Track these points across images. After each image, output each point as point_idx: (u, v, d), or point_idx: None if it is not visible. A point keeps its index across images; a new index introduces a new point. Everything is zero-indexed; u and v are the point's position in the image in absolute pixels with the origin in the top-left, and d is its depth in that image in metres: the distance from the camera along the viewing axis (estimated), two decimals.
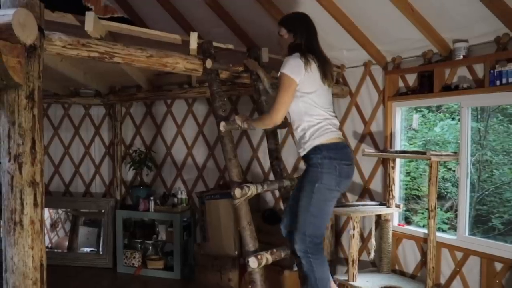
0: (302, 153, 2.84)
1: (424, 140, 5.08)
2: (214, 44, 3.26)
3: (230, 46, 3.53)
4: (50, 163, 6.22)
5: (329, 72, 2.86)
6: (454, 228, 4.18)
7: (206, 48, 3.17)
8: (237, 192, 2.86)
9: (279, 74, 2.78)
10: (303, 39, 2.86)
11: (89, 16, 2.62)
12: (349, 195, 4.70)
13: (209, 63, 3.10)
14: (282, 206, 4.16)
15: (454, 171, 4.20)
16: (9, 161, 2.26)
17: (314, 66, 2.77)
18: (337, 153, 2.75)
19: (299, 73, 2.72)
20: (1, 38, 2.00)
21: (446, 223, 4.79)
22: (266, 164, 5.28)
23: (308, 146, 2.78)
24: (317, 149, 2.74)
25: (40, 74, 2.31)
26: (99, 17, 2.77)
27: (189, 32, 3.21)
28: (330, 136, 2.78)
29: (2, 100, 2.27)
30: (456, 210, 4.11)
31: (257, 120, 2.96)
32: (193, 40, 3.07)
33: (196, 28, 4.66)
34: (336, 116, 2.94)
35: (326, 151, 2.73)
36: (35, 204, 2.31)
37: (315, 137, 2.76)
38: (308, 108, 2.79)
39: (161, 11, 4.91)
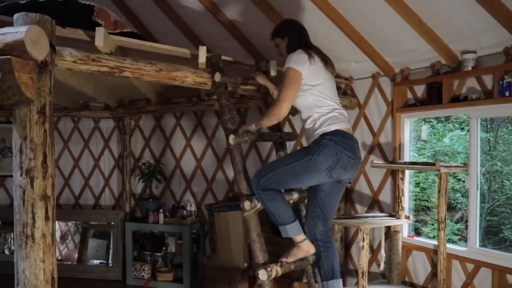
0: (312, 139, 2.86)
1: (433, 151, 5.07)
2: (223, 57, 3.28)
3: (239, 60, 3.55)
4: (60, 176, 6.26)
5: (330, 61, 2.99)
6: (464, 239, 4.16)
7: (215, 62, 3.19)
8: (247, 205, 2.87)
9: (284, 70, 2.85)
10: (296, 37, 3.02)
11: (99, 32, 2.64)
12: (358, 207, 4.70)
13: (218, 77, 3.12)
14: None
15: (464, 181, 4.18)
16: (21, 175, 2.28)
17: (317, 59, 2.89)
18: (343, 141, 2.76)
19: (304, 66, 2.81)
20: (14, 55, 2.03)
21: (457, 234, 4.75)
22: None
23: (317, 134, 2.81)
24: (325, 134, 2.77)
25: (51, 89, 2.34)
26: (109, 32, 2.79)
27: (198, 45, 3.24)
28: (340, 125, 2.82)
29: (14, 115, 2.30)
30: (466, 221, 4.08)
31: (263, 118, 2.95)
32: (202, 54, 3.09)
33: (204, 42, 4.70)
34: (343, 107, 2.99)
35: (334, 135, 2.75)
36: (47, 218, 2.33)
37: (325, 126, 2.80)
38: (317, 100, 2.86)
39: (170, 25, 4.95)
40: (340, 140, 2.74)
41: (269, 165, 2.93)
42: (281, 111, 2.82)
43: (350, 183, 3.10)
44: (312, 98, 2.85)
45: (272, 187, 2.82)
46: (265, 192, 2.82)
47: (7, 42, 2.05)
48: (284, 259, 2.95)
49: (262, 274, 2.77)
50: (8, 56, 1.99)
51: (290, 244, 2.98)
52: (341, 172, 2.77)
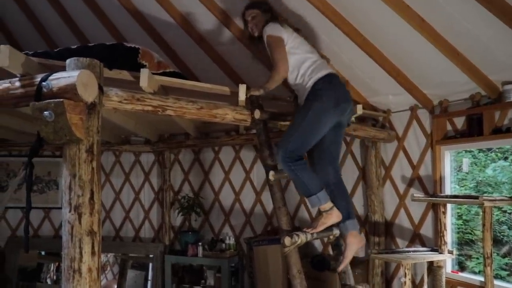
0: (306, 93, 3.10)
1: (475, 182, 4.94)
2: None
3: (278, 95, 3.62)
4: (102, 208, 6.36)
5: (300, 31, 3.38)
6: None
7: (255, 99, 3.25)
8: (287, 240, 2.87)
9: (265, 39, 3.22)
10: (274, 15, 3.42)
11: (144, 73, 2.76)
12: (398, 241, 4.61)
13: (257, 114, 3.18)
14: (331, 252, 4.12)
15: (510, 213, 4.05)
16: (70, 211, 2.36)
17: (286, 26, 3.28)
18: (336, 79, 3.14)
19: (281, 32, 3.20)
20: (66, 98, 2.14)
21: (505, 269, 4.58)
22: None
23: (310, 84, 3.07)
24: (318, 81, 3.05)
25: (98, 128, 2.43)
26: (152, 73, 2.90)
27: (236, 80, 3.32)
28: (327, 70, 3.16)
29: (63, 154, 2.40)
30: None
31: (268, 81, 3.23)
32: (242, 92, 3.16)
33: (243, 77, 4.80)
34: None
35: (326, 77, 3.09)
36: (93, 253, 2.39)
37: (314, 74, 3.11)
38: (300, 57, 3.20)
39: (209, 62, 5.07)
40: (333, 80, 3.11)
41: (287, 133, 3.04)
42: (280, 70, 3.15)
43: (349, 124, 3.33)
44: (295, 57, 3.18)
45: (299, 152, 2.94)
46: (296, 163, 2.92)
47: (60, 86, 2.17)
48: (313, 230, 3.01)
49: None
50: (61, 100, 2.11)
51: (317, 216, 3.14)
52: (345, 104, 3.08)
